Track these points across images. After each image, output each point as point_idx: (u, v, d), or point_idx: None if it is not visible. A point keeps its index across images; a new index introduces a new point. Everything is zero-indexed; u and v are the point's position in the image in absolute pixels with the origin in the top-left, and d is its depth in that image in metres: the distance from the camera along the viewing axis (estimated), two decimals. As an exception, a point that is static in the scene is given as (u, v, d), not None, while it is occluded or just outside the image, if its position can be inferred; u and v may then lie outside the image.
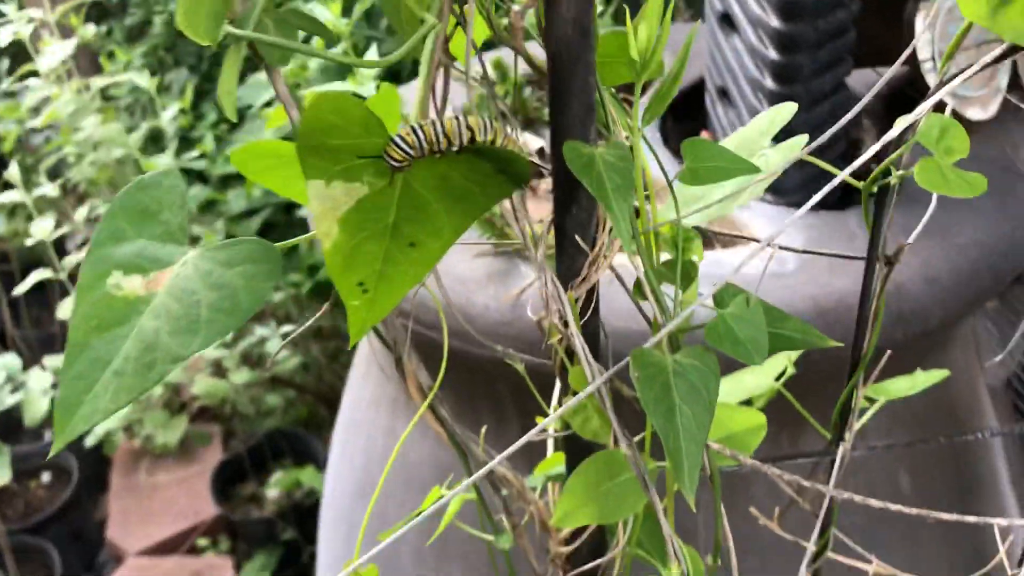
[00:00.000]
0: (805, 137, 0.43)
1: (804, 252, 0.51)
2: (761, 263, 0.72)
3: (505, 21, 0.39)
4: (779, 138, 0.70)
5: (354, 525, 0.96)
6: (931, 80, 0.88)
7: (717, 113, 0.95)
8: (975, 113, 0.88)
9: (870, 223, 0.44)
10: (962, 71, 0.41)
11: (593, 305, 0.41)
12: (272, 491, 1.92)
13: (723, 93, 0.92)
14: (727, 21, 0.89)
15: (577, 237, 0.39)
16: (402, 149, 0.31)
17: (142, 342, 0.38)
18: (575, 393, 0.41)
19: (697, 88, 1.04)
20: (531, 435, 0.47)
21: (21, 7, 1.69)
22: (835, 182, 0.39)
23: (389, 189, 0.33)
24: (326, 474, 1.13)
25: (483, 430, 0.54)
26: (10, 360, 1.74)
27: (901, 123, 0.42)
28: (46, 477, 2.05)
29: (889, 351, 0.72)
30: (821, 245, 0.75)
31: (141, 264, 0.39)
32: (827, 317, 0.69)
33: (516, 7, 0.35)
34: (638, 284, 0.39)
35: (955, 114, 0.88)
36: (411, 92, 0.96)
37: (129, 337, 0.38)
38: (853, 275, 0.72)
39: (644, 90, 0.40)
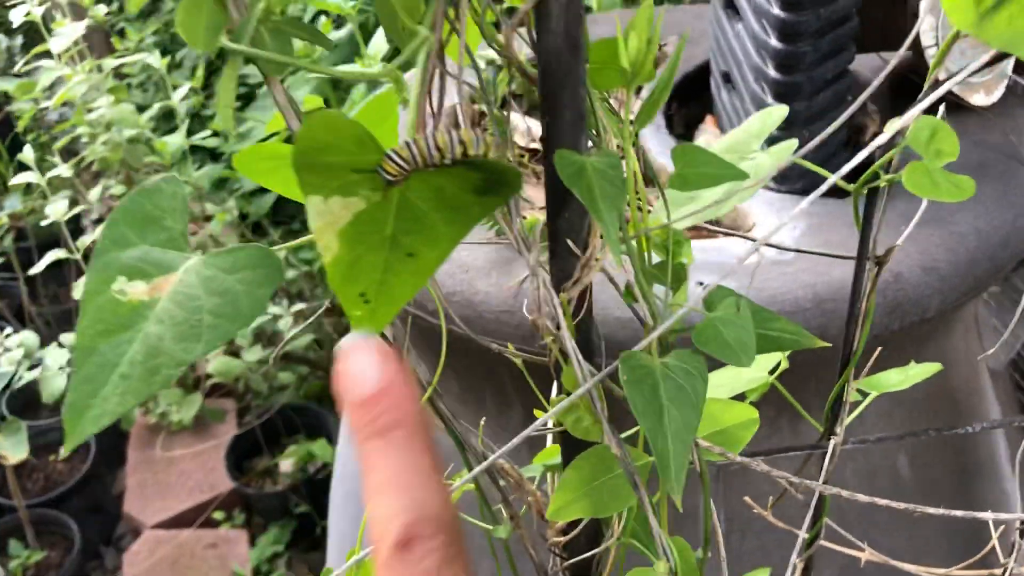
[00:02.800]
0: (794, 143, 0.43)
1: (795, 251, 0.52)
2: (762, 252, 0.72)
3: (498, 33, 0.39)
4: (781, 127, 0.70)
5: (363, 505, 0.98)
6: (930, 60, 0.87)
7: (721, 98, 0.95)
8: (979, 99, 0.88)
9: (860, 224, 0.45)
10: (953, 75, 0.42)
11: (586, 306, 0.42)
12: (285, 464, 1.95)
13: (727, 78, 0.92)
14: (731, 7, 0.89)
15: (569, 241, 0.40)
16: (396, 164, 0.32)
17: (147, 347, 0.39)
18: (568, 393, 0.42)
19: (703, 71, 1.04)
20: (528, 432, 0.48)
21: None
22: (825, 186, 0.39)
23: (386, 202, 0.34)
24: (337, 450, 1.14)
25: (482, 422, 0.55)
26: (28, 337, 1.77)
27: (892, 126, 0.42)
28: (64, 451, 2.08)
29: (886, 340, 0.73)
30: (823, 233, 0.76)
31: (145, 270, 0.40)
32: (825, 306, 0.69)
33: (509, 20, 0.36)
34: (629, 287, 0.40)
35: (959, 99, 0.88)
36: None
37: (135, 342, 0.39)
38: (852, 264, 0.72)
39: (637, 92, 0.41)
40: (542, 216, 0.43)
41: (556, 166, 0.37)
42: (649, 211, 0.43)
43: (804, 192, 0.82)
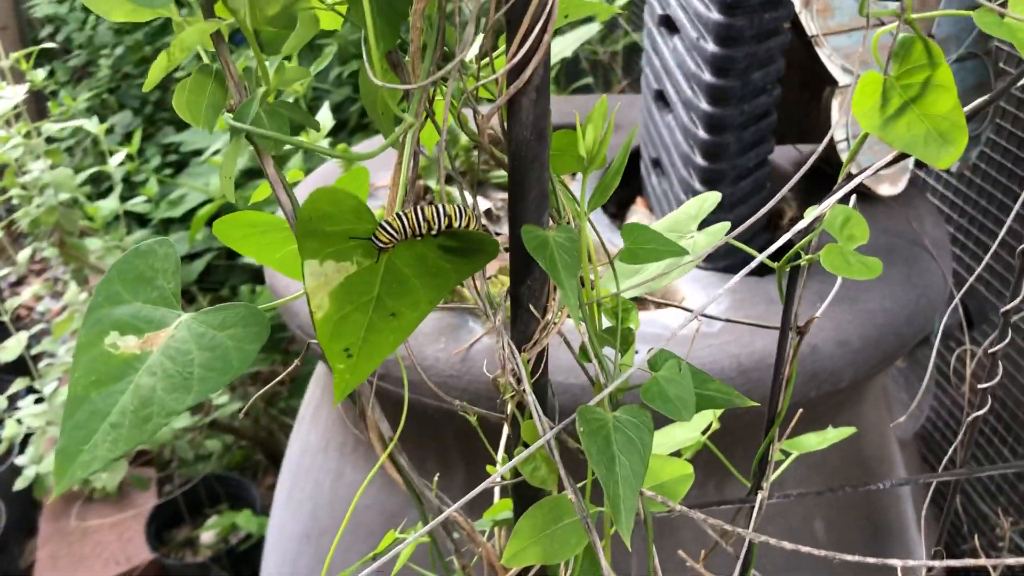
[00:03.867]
0: (727, 224, 0.49)
1: (727, 321, 0.57)
2: (691, 324, 0.78)
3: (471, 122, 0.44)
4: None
5: (298, 569, 0.99)
6: (844, 158, 0.96)
7: (651, 182, 1.02)
8: (885, 189, 0.97)
9: (783, 298, 0.50)
10: (864, 169, 0.48)
11: (543, 366, 0.47)
12: (207, 535, 1.92)
13: (656, 163, 0.99)
14: (662, 99, 0.96)
15: (531, 306, 0.45)
16: (388, 233, 0.36)
17: (139, 397, 0.42)
18: (526, 445, 0.46)
19: (633, 156, 1.11)
20: (487, 484, 0.52)
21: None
22: (753, 264, 0.45)
23: (375, 267, 0.38)
24: (270, 520, 1.15)
25: (435, 478, 0.58)
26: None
27: (812, 213, 0.48)
28: (-28, 520, 2.01)
29: (804, 407, 0.79)
30: (745, 307, 0.82)
31: (137, 325, 0.43)
32: (749, 375, 0.75)
33: (483, 111, 0.41)
34: (583, 348, 0.45)
35: (867, 189, 0.97)
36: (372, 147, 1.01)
37: (126, 392, 0.42)
38: (773, 335, 0.78)
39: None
40: (494, 290, 0.47)
41: (523, 239, 0.41)
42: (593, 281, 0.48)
43: (727, 270, 0.89)
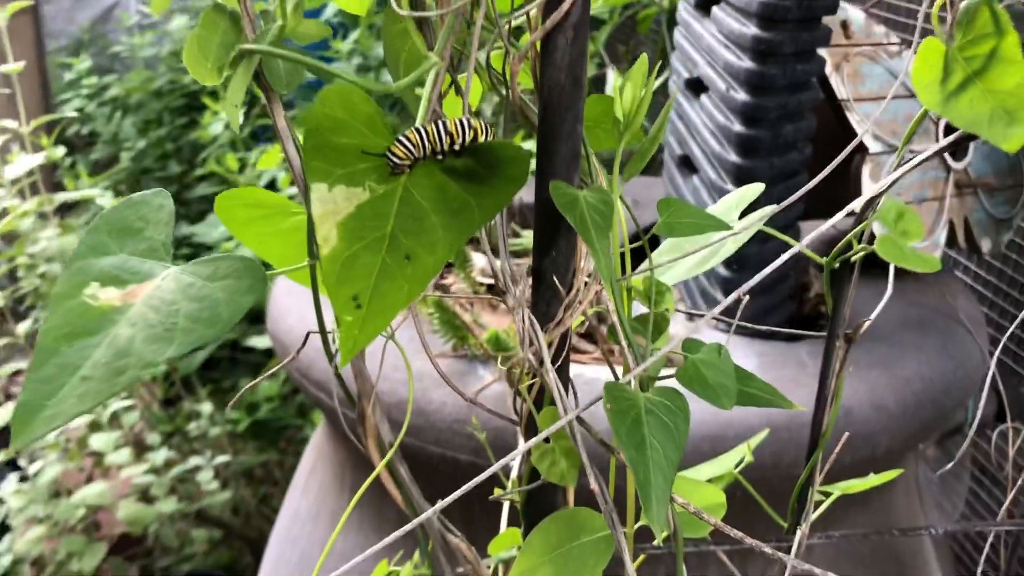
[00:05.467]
0: (766, 209, 0.45)
1: (759, 328, 0.53)
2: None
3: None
4: (734, 271, 0.73)
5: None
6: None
7: (673, 251, 0.99)
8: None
9: (830, 301, 0.46)
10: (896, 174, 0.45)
11: (565, 351, 0.42)
12: (184, 638, 1.81)
13: (680, 230, 0.96)
14: (685, 164, 0.94)
15: (555, 279, 0.40)
16: (405, 147, 0.32)
17: (114, 348, 0.37)
18: (546, 441, 0.41)
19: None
20: (498, 496, 0.46)
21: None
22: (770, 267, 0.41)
23: (389, 196, 0.34)
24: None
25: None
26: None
27: (859, 202, 0.44)
28: (-61, 610, 1.90)
29: (837, 474, 0.73)
30: (774, 369, 0.77)
31: (120, 277, 0.39)
32: (779, 434, 0.70)
33: (514, 52, 0.38)
34: (611, 329, 0.40)
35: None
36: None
37: (100, 346, 0.38)
38: (805, 397, 0.73)
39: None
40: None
41: (552, 195, 0.37)
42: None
43: (752, 335, 0.84)
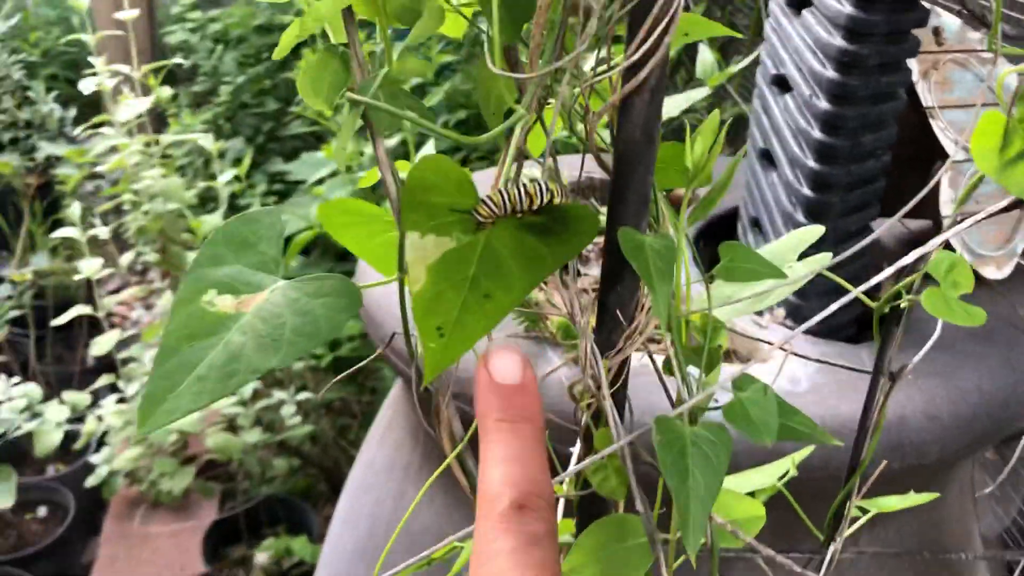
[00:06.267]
0: (828, 255, 0.48)
1: (818, 361, 0.56)
2: (778, 378, 0.76)
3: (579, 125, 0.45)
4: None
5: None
6: (952, 238, 0.94)
7: (747, 241, 1.01)
8: (990, 272, 0.94)
9: (878, 341, 0.49)
10: (969, 216, 0.47)
11: (623, 378, 0.46)
12: (261, 557, 1.93)
13: (755, 223, 0.98)
14: (766, 157, 0.96)
15: (618, 312, 0.44)
16: (489, 207, 0.36)
17: (228, 353, 0.43)
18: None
19: (730, 216, 1.10)
20: (570, 471, 0.51)
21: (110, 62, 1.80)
22: (848, 298, 0.44)
23: (473, 245, 0.38)
24: (327, 534, 1.15)
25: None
26: (31, 389, 1.79)
27: (914, 254, 0.47)
28: (42, 511, 2.06)
29: (886, 478, 0.76)
30: (835, 372, 0.80)
31: (235, 286, 0.44)
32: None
33: (594, 111, 0.41)
34: (667, 361, 0.44)
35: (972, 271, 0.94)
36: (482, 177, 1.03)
37: (216, 348, 0.43)
38: (858, 402, 0.76)
39: (689, 203, 0.46)
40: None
41: (619, 240, 0.41)
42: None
43: (817, 334, 0.87)
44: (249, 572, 1.94)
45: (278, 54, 0.43)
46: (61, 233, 1.60)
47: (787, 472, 0.57)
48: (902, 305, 0.47)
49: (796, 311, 0.88)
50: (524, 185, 0.37)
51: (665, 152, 0.46)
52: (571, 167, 1.04)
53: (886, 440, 0.73)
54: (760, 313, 0.91)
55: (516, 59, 0.45)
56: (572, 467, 0.43)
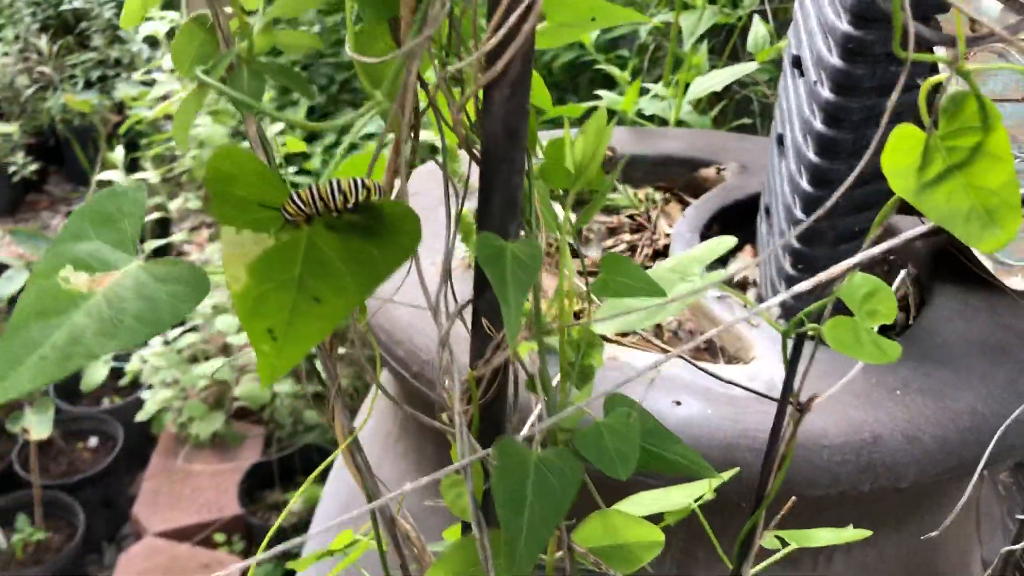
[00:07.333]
0: (724, 272, 0.44)
1: (732, 384, 0.52)
2: (747, 379, 0.72)
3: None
4: (801, 269, 0.70)
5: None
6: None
7: (761, 229, 0.96)
8: (1016, 283, 0.86)
9: (786, 366, 0.45)
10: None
11: (495, 388, 0.43)
12: (295, 503, 1.97)
13: (768, 211, 0.92)
14: (781, 143, 0.90)
15: (485, 320, 0.41)
16: (296, 205, 0.33)
17: (70, 335, 0.41)
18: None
19: (753, 200, 1.04)
20: (430, 478, 0.48)
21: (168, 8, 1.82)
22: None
23: (294, 243, 0.36)
24: (322, 495, 1.15)
25: (407, 486, 0.55)
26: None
27: (835, 270, 0.42)
28: (93, 441, 2.14)
29: (854, 500, 0.71)
30: (830, 378, 0.75)
31: (91, 263, 0.43)
32: (797, 451, 0.68)
33: (454, 103, 0.38)
34: (532, 378, 0.41)
35: (995, 280, 0.86)
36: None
37: (62, 327, 0.41)
38: (860, 405, 0.71)
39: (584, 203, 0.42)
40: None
41: (478, 246, 0.38)
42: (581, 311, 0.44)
43: (811, 338, 0.81)
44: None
45: (124, 22, 0.40)
46: (104, 176, 1.63)
47: (703, 495, 0.53)
48: (808, 332, 0.43)
49: (791, 311, 0.82)
50: (338, 182, 0.34)
51: (553, 150, 0.42)
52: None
53: (855, 460, 0.68)
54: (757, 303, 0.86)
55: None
56: (427, 477, 0.41)
